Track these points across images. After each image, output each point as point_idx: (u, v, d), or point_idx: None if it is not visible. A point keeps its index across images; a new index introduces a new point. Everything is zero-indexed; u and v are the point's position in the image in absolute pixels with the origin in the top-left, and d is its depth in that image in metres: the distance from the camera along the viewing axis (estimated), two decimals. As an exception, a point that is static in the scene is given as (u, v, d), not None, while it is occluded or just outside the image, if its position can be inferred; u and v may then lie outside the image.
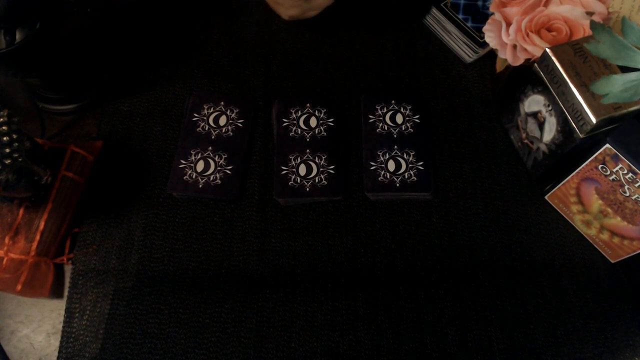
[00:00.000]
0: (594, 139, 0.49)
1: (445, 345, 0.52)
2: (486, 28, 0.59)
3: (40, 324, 0.54)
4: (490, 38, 0.58)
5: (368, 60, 0.68)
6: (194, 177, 0.58)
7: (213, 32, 0.69)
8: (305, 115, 0.62)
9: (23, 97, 0.63)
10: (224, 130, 0.61)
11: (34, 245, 0.53)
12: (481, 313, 0.54)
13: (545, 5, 0.56)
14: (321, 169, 0.59)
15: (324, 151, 0.60)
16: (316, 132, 0.61)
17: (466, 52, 0.67)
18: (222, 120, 0.62)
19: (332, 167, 0.59)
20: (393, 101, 0.63)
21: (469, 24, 0.66)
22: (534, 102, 0.55)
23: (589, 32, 0.53)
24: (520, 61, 0.57)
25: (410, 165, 0.59)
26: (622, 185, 0.49)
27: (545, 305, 0.54)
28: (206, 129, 0.61)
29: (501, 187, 0.60)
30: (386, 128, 0.61)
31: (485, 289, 0.55)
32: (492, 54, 0.65)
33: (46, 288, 0.54)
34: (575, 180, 0.53)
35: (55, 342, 0.53)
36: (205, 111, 0.62)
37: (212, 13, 0.71)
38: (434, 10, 0.68)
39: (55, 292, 0.55)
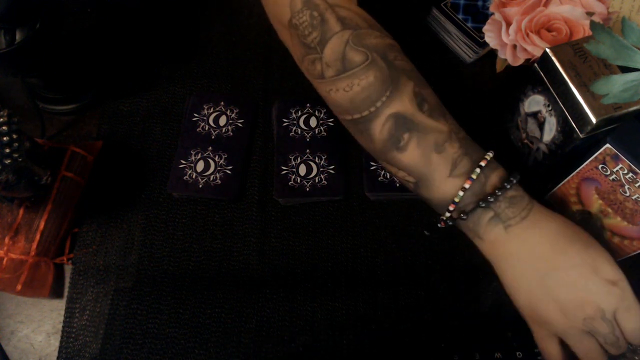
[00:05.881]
0: (594, 139, 0.49)
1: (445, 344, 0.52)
2: (486, 28, 0.59)
3: (40, 324, 0.54)
4: (490, 38, 0.59)
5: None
6: (194, 177, 0.58)
7: (213, 32, 0.69)
8: (305, 115, 0.62)
9: (23, 97, 0.63)
10: (224, 130, 0.61)
11: (34, 245, 0.53)
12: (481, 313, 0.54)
13: (545, 5, 0.56)
14: (321, 169, 0.59)
15: (324, 151, 0.60)
16: (316, 132, 0.61)
17: (466, 52, 0.67)
18: (222, 120, 0.62)
19: (332, 167, 0.59)
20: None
21: (469, 24, 0.66)
22: (534, 102, 0.55)
23: (589, 32, 0.53)
24: (520, 61, 0.57)
25: (410, 165, 0.59)
26: (622, 185, 0.49)
27: (545, 305, 0.54)
28: (206, 129, 0.61)
29: (501, 187, 0.60)
30: (386, 128, 0.61)
31: (485, 289, 0.55)
32: (492, 54, 0.65)
33: (46, 288, 0.54)
34: (575, 180, 0.53)
35: (55, 342, 0.53)
36: (205, 111, 0.62)
37: (212, 13, 0.71)
38: (434, 10, 0.68)
39: (55, 292, 0.55)
